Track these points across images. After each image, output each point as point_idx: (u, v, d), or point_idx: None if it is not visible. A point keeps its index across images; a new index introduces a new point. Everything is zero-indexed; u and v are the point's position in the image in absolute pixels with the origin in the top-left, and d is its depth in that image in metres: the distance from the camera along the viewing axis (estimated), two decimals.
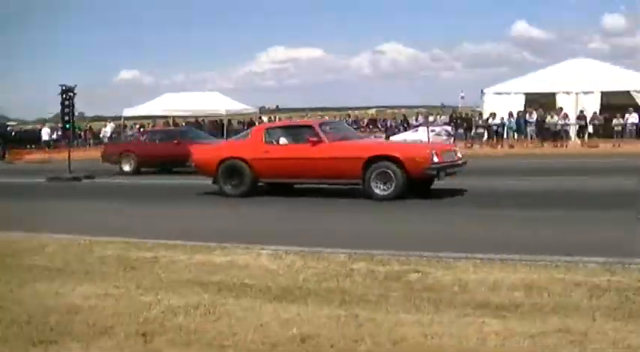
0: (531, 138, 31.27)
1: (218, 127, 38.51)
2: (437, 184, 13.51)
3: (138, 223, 11.31)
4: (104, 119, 50.39)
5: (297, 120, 30.45)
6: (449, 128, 31.22)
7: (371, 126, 39.52)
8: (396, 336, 4.62)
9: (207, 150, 16.01)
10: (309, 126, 14.83)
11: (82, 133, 42.50)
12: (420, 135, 23.89)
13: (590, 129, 31.77)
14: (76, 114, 24.56)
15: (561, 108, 32.00)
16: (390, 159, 13.14)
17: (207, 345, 4.63)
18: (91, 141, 41.92)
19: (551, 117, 31.76)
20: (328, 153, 13.70)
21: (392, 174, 12.97)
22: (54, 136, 39.15)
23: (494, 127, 32.03)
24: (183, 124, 39.97)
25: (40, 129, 42.26)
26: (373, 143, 16.79)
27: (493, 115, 32.02)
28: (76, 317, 5.35)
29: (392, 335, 4.66)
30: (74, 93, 21.71)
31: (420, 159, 13.14)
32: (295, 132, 14.91)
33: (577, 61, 35.02)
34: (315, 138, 13.90)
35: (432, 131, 21.24)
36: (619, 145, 29.05)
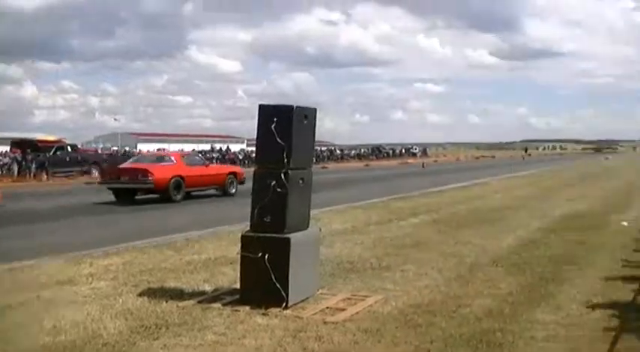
0: None
1: None
2: None
3: None
4: None
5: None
6: None
7: None
8: None
9: (162, 171, 22.34)
10: (197, 154, 33.92)
11: None
12: None
13: None
14: None
15: None
16: (233, 174, 25.68)
17: None
18: None
19: None
20: (214, 170, 25.55)
21: (234, 182, 25.19)
22: None
23: None
24: None
25: None
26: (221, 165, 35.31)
27: None
28: None
29: None
30: None
31: (240, 173, 26.05)
32: (193, 158, 26.97)
33: None
34: (207, 162, 27.92)
35: None
36: None
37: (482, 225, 14.73)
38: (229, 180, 24.98)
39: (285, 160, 7.45)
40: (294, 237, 7.43)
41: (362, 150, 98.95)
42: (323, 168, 53.24)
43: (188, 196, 23.12)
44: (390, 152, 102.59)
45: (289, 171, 7.48)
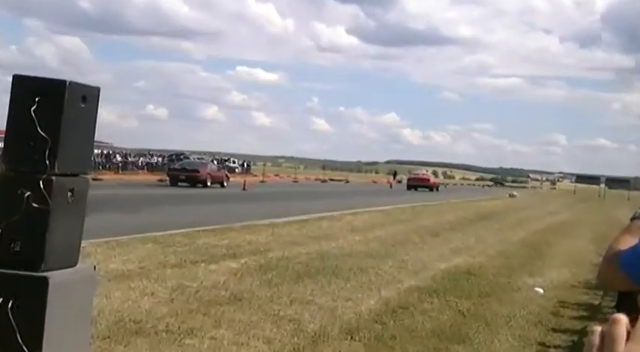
0: None
1: None
2: None
3: None
4: None
5: None
6: None
7: None
8: None
9: (431, 180, 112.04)
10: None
11: None
12: None
13: None
14: None
15: None
16: (440, 184, 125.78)
17: None
18: None
19: None
20: (438, 180, 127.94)
21: (440, 186, 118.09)
22: None
23: None
24: None
25: None
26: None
27: None
28: None
29: None
30: None
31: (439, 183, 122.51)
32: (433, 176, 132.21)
33: None
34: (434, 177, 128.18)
35: None
36: None
37: (332, 278, 15.01)
38: (438, 184, 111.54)
39: (49, 161, 7.31)
40: (56, 277, 7.28)
41: (155, 159, 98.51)
42: (95, 179, 52.72)
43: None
44: None
45: (54, 178, 7.34)
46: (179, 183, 61.17)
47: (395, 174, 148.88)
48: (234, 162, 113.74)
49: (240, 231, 22.58)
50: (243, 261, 16.47)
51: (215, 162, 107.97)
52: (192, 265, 15.36)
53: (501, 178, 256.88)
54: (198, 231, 21.67)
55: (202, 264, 15.53)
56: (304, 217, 29.95)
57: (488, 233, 29.33)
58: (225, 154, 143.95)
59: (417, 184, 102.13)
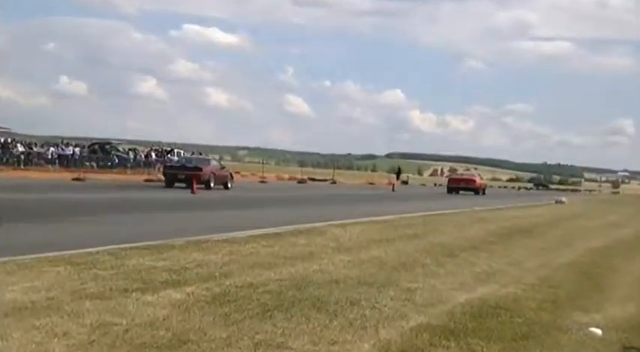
0: None
1: None
2: None
3: None
4: None
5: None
6: None
7: None
8: None
9: (477, 181, 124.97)
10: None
11: None
12: None
13: None
14: None
15: None
16: (485, 186, 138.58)
17: None
18: None
19: None
20: (482, 182, 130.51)
21: (485, 188, 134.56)
22: None
23: None
24: None
25: None
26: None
27: None
28: None
29: None
30: None
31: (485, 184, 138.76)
32: (480, 177, 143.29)
33: None
34: (480, 179, 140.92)
35: None
36: None
37: (312, 312, 14.79)
38: (484, 186, 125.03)
39: None
40: None
41: (71, 149, 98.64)
42: None
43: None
44: (130, 156, 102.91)
45: None
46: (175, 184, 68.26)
47: (399, 173, 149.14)
48: (178, 155, 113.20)
49: (186, 249, 22.30)
50: (190, 289, 16.24)
51: (153, 154, 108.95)
52: (120, 295, 15.12)
53: (545, 179, 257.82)
54: (129, 248, 21.44)
55: (134, 294, 15.29)
56: (275, 230, 29.72)
57: (525, 253, 29.13)
58: (167, 144, 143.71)
59: (459, 186, 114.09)
